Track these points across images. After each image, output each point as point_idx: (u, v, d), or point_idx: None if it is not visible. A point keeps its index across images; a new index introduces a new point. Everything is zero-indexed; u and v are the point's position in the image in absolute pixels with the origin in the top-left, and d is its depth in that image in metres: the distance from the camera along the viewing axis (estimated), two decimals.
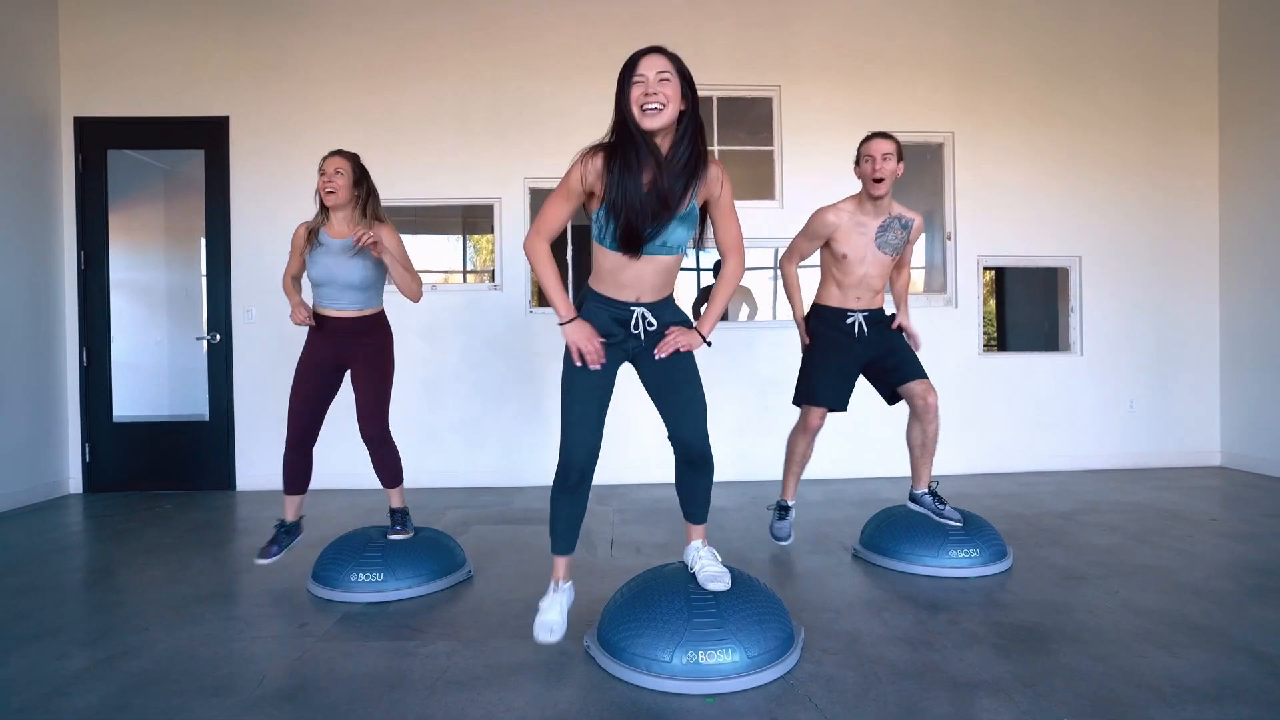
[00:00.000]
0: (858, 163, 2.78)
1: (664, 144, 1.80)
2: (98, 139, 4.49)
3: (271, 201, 4.49)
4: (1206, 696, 1.74)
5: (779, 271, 2.94)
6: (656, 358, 1.93)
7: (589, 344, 1.88)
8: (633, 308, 1.93)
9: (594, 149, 1.83)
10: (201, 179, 4.61)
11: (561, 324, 1.91)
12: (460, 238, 8.03)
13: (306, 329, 2.72)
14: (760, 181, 4.81)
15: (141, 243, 5.19)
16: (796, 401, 2.96)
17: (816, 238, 2.83)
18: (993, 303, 7.22)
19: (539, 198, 4.68)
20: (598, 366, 1.90)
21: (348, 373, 2.77)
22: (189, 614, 2.38)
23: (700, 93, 1.84)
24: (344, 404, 2.81)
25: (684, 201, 1.83)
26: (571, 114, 4.55)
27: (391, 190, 4.51)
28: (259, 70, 4.52)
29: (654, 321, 1.95)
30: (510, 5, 4.59)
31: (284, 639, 2.17)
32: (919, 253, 5.58)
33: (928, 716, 1.67)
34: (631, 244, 1.82)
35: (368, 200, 2.71)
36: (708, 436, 2.01)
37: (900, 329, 2.93)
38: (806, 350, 2.95)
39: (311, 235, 2.69)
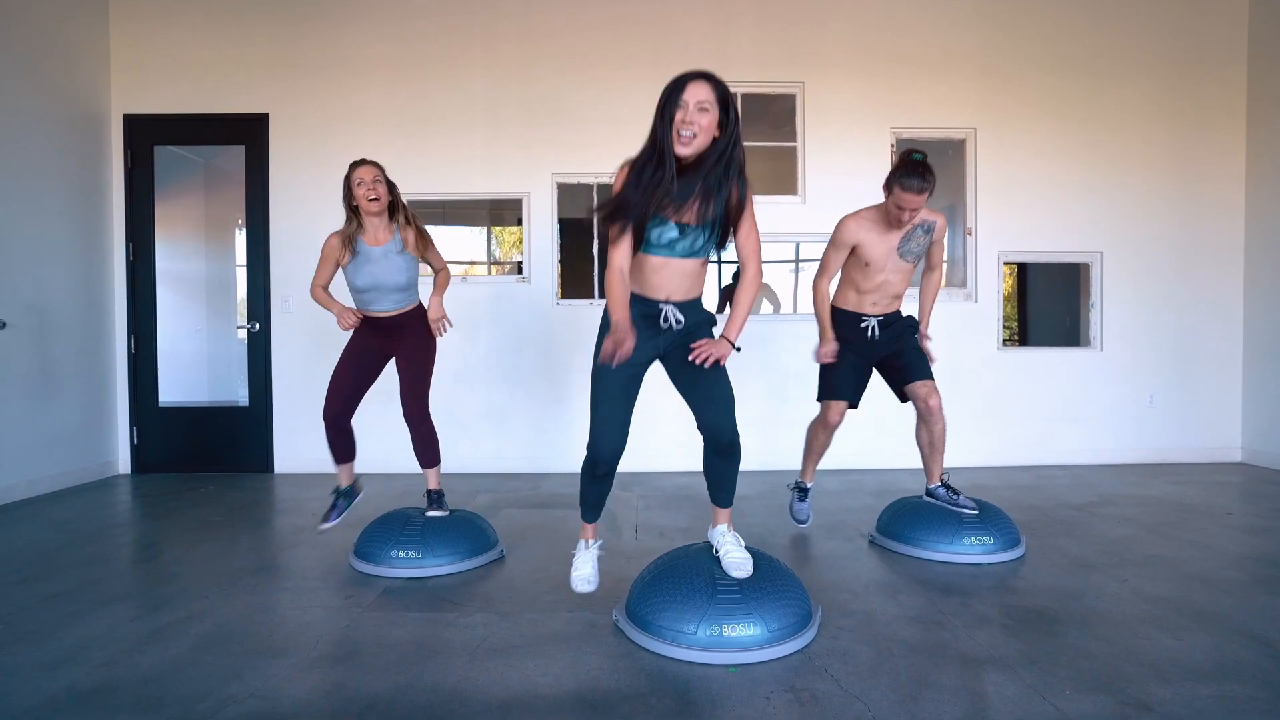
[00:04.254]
0: (889, 189, 2.74)
1: (694, 162, 1.92)
2: (145, 135, 4.68)
3: (308, 194, 4.66)
4: (1205, 675, 1.83)
5: (812, 289, 2.94)
6: (695, 363, 2.00)
7: (629, 343, 1.93)
8: (662, 305, 2.06)
9: (628, 162, 1.96)
10: (235, 170, 4.81)
11: (614, 325, 1.95)
12: (485, 230, 8.20)
13: (354, 330, 2.90)
14: (782, 177, 4.89)
15: (181, 234, 5.41)
16: (820, 398, 3.06)
17: (844, 246, 2.87)
18: (1015, 297, 7.23)
19: (566, 192, 4.81)
20: (615, 362, 1.96)
21: (390, 362, 2.96)
22: (243, 585, 2.55)
23: None
24: (378, 390, 3.00)
25: (708, 210, 1.95)
26: (598, 110, 4.66)
27: (423, 185, 4.68)
28: (297, 69, 4.68)
29: (682, 319, 2.07)
30: (538, 4, 4.70)
31: (332, 609, 2.33)
32: None
33: (937, 688, 1.77)
34: (637, 235, 1.95)
35: (396, 204, 2.87)
36: (736, 425, 2.11)
37: (921, 338, 3.01)
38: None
39: (347, 244, 2.80)
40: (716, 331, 2.16)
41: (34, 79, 4.09)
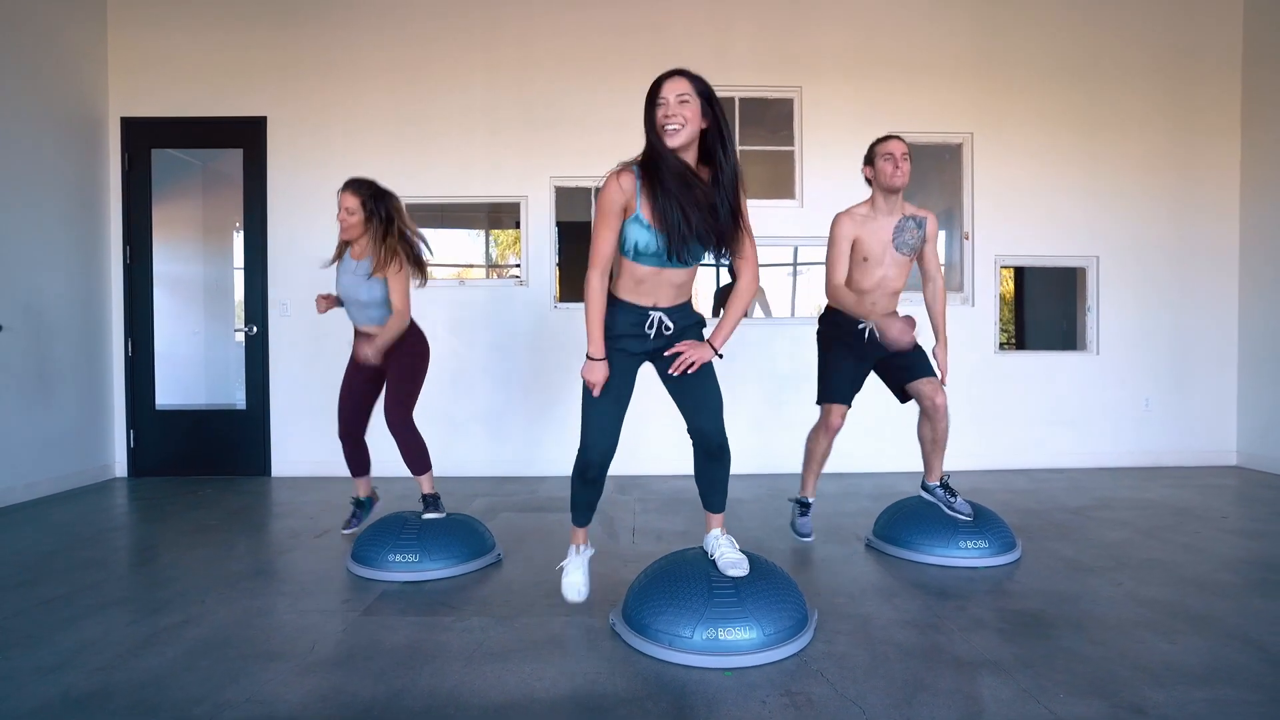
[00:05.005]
0: (870, 162, 2.86)
1: (690, 157, 1.93)
2: (143, 139, 4.69)
3: (306, 197, 4.66)
4: (1198, 679, 1.83)
5: (828, 292, 2.89)
6: (672, 374, 2.04)
7: (602, 383, 2.03)
8: (651, 311, 2.06)
9: (622, 167, 1.94)
10: (233, 173, 4.81)
11: (589, 358, 2.02)
12: (483, 233, 8.21)
13: (353, 338, 3.04)
14: (780, 181, 4.90)
15: (179, 237, 5.41)
16: (820, 401, 3.00)
17: (844, 241, 2.84)
18: (1012, 301, 7.24)
19: (564, 196, 4.82)
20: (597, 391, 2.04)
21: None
22: (240, 589, 2.55)
23: (723, 94, 1.97)
24: None
25: (706, 220, 1.93)
26: (597, 114, 4.67)
27: (422, 188, 4.69)
28: (295, 72, 4.69)
29: (670, 325, 2.07)
30: (538, 9, 4.71)
31: (329, 613, 2.33)
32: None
33: (932, 691, 1.78)
34: (680, 256, 1.95)
35: (385, 228, 2.83)
36: (724, 428, 2.12)
37: (938, 351, 2.98)
38: (821, 353, 3.02)
39: (338, 252, 2.97)
40: (706, 333, 2.15)
41: (32, 82, 4.09)
